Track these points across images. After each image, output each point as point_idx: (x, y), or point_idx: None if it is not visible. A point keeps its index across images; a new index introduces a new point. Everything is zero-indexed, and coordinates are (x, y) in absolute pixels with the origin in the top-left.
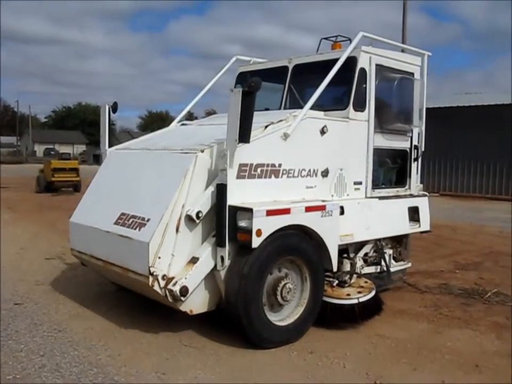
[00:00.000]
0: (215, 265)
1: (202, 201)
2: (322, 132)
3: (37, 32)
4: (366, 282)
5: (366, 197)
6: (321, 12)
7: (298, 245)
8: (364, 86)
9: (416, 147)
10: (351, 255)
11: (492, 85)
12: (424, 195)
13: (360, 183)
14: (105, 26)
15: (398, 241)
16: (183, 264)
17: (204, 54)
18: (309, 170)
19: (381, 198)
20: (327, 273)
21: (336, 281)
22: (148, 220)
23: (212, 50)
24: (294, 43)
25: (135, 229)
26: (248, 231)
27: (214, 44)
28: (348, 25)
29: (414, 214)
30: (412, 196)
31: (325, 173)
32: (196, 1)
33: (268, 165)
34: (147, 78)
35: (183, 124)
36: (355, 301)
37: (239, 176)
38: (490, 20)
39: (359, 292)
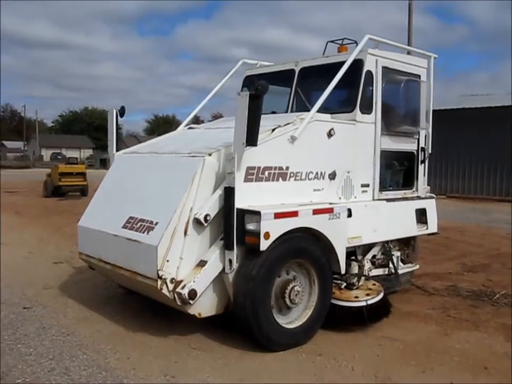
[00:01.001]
0: (223, 268)
1: (210, 205)
2: (330, 134)
3: (43, 37)
4: (374, 284)
5: (374, 199)
6: (329, 14)
7: (306, 247)
8: (371, 88)
9: (423, 149)
10: (359, 258)
11: (500, 87)
12: (432, 197)
13: (367, 185)
14: (112, 31)
15: (406, 243)
16: (191, 267)
17: (211, 57)
18: (316, 173)
19: (388, 200)
20: (335, 276)
21: (344, 284)
22: (156, 224)
23: (218, 54)
24: (302, 46)
25: (143, 232)
26: (256, 234)
27: (221, 48)
28: (356, 27)
29: (421, 216)
30: (419, 198)
31: (332, 176)
32: (203, 5)
33: (275, 168)
34: (154, 82)
35: (190, 128)
36: (363, 303)
37: (246, 179)
38: (498, 21)
39: (367, 294)
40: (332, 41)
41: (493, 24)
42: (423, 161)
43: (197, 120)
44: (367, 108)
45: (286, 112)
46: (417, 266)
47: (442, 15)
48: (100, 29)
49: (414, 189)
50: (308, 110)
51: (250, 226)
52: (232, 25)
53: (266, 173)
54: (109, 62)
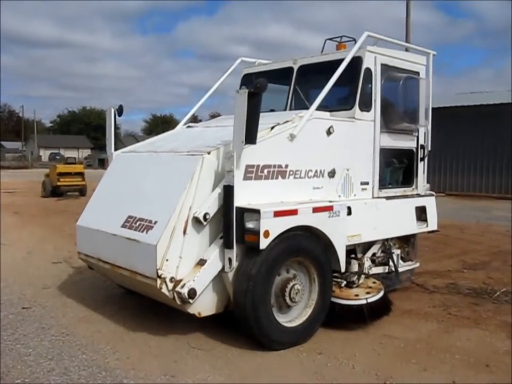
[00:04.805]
0: (223, 267)
1: (209, 203)
2: (329, 132)
3: (43, 35)
4: (374, 282)
5: (373, 197)
6: (332, 11)
7: (306, 245)
8: (370, 86)
9: (422, 147)
10: (359, 256)
11: (505, 83)
12: (431, 194)
13: (367, 183)
14: (112, 28)
15: (406, 241)
16: (191, 266)
17: (213, 55)
18: (316, 171)
19: (388, 198)
20: (335, 274)
21: (344, 282)
22: (155, 223)
23: (220, 52)
24: (304, 43)
25: (142, 231)
26: (256, 233)
27: (223, 45)
28: (359, 23)
29: (421, 213)
30: (419, 195)
31: (332, 174)
32: (206, 2)
33: (274, 166)
34: (154, 80)
35: (188, 126)
36: (363, 302)
37: (245, 178)
38: (504, 16)
39: (368, 293)
40: (331, 39)
41: (499, 19)
42: (422, 159)
43: (195, 119)
44: (366, 106)
45: (285, 110)
46: (418, 264)
47: (448, 10)
48: (101, 27)
49: (413, 187)
50: (307, 108)
51: (249, 225)
52: (235, 23)
53: (265, 171)
54: (110, 60)
